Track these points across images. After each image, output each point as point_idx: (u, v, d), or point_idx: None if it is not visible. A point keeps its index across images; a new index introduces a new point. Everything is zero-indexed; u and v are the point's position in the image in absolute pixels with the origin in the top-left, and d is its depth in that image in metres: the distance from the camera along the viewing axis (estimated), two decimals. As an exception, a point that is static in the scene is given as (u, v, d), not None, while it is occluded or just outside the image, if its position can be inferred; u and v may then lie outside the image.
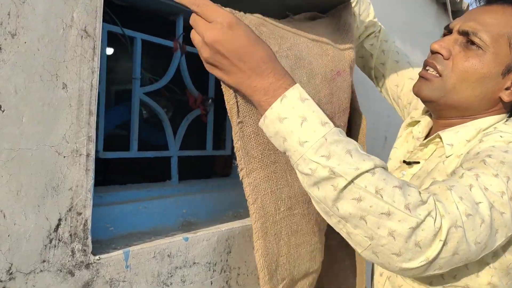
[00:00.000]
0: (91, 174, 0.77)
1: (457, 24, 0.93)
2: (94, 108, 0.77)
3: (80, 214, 0.76)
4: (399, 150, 1.12)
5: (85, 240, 0.77)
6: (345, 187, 0.65)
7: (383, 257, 0.68)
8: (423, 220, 0.65)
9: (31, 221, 0.69)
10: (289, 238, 0.95)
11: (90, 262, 0.78)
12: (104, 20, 0.87)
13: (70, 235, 0.75)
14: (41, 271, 0.71)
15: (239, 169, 0.84)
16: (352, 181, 0.65)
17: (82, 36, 0.74)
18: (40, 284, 0.71)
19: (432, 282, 0.85)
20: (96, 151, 1.02)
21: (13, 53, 0.65)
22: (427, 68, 0.94)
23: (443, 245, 0.66)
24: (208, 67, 0.73)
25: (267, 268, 0.90)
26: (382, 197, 0.65)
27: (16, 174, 0.67)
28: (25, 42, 0.67)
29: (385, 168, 0.69)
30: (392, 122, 1.97)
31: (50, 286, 0.72)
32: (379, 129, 1.90)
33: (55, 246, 0.73)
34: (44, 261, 0.71)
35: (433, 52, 0.94)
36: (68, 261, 0.75)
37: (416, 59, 1.30)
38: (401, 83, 1.24)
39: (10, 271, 0.67)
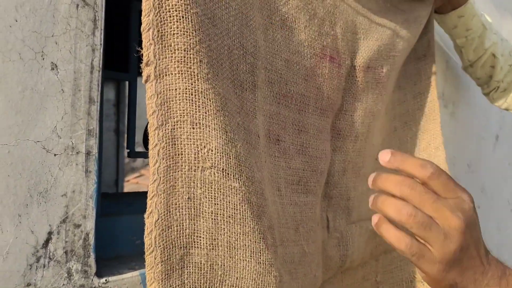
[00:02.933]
0: (94, 176, 0.62)
1: None
2: (96, 95, 0.62)
3: (78, 226, 0.61)
4: None
5: (86, 259, 0.62)
6: None
7: None
8: None
9: (9, 234, 0.56)
10: (218, 220, 0.58)
11: (93, 286, 0.63)
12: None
13: (65, 252, 0.60)
14: (26, 296, 0.57)
15: (143, 63, 0.54)
16: None
17: (78, 5, 0.59)
18: (25, 313, 0.57)
19: None
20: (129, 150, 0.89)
21: (-20, 24, 0.52)
22: None
23: None
24: (444, 268, 0.49)
25: (163, 252, 0.55)
26: None
27: (-13, 176, 0.54)
28: (-4, 11, 0.53)
29: None
30: (506, 119, 1.63)
31: (39, 315, 0.58)
32: (488, 126, 1.58)
33: (44, 266, 0.59)
34: (29, 285, 0.57)
35: None
36: (63, 284, 0.60)
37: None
38: None
39: (-18, 296, 0.54)
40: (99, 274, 0.64)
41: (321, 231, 0.81)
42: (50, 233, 0.59)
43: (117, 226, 0.76)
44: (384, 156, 0.50)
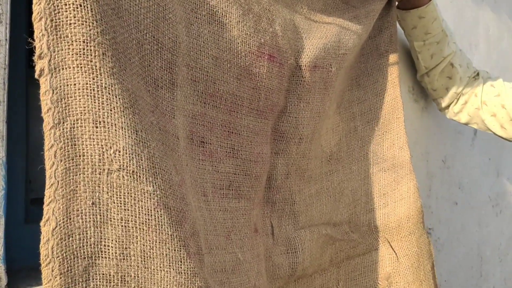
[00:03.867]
0: (1, 182, 0.58)
1: None
2: (1, 94, 0.58)
3: (-17, 235, 0.57)
4: None
5: (-6, 270, 0.58)
6: None
7: None
8: None
9: None
10: (130, 227, 0.54)
11: (3, 298, 0.59)
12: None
13: (-31, 263, 0.56)
14: None
15: (35, 56, 0.49)
16: None
17: (-25, -2, 0.55)
18: None
19: None
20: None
21: None
22: None
23: None
24: None
25: (62, 263, 0.50)
26: None
27: None
28: None
29: None
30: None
31: None
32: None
33: None
34: None
35: None
36: (-33, 297, 0.56)
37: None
38: None
39: None
40: (10, 287, 0.60)
41: (265, 238, 0.77)
42: (-51, 244, 0.55)
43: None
44: None
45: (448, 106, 1.17)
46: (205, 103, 0.66)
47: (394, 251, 1.00)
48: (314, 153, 0.87)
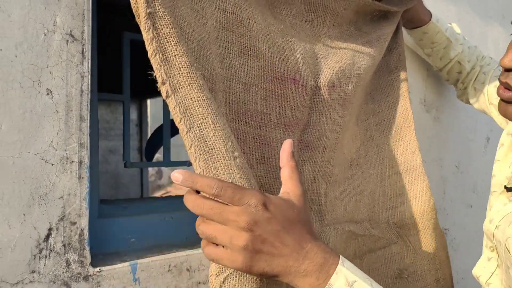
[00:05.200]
0: (86, 182, 0.74)
1: None
2: (86, 114, 0.74)
3: (74, 223, 0.73)
4: (503, 164, 0.92)
5: (81, 251, 0.74)
6: None
7: None
8: None
9: (16, 230, 0.68)
10: None
11: (89, 274, 0.74)
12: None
13: (64, 245, 0.72)
14: (31, 281, 0.69)
15: (158, 83, 0.64)
16: None
17: (67, 41, 0.72)
18: (30, 295, 0.69)
19: None
20: (125, 161, 1.01)
21: (-13, 61, 0.66)
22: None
23: None
24: (246, 261, 0.58)
25: None
26: None
27: (-4, 182, 0.67)
28: (1, 50, 0.67)
29: None
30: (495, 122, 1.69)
31: (42, 298, 0.70)
32: (478, 129, 1.64)
33: (46, 256, 0.71)
34: (33, 272, 0.70)
35: (506, 70, 0.77)
36: (63, 272, 0.72)
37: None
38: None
39: (-6, 281, 0.66)
40: (94, 264, 0.75)
41: None
42: (50, 229, 0.71)
43: (114, 227, 0.88)
44: (176, 177, 0.59)
45: (462, 93, 1.31)
46: (238, 120, 0.80)
47: (411, 244, 1.11)
48: (338, 160, 1.00)
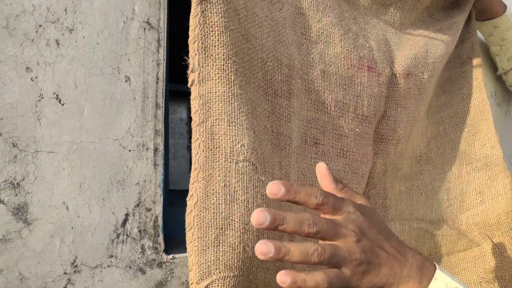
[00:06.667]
0: (161, 169, 0.75)
1: None
2: (161, 101, 0.75)
3: (149, 210, 0.74)
4: None
5: (156, 238, 0.74)
6: None
7: None
8: None
9: (96, 214, 0.69)
10: (249, 208, 0.65)
11: (162, 261, 0.75)
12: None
13: (139, 231, 0.73)
14: (109, 266, 0.70)
15: (189, 70, 0.63)
16: None
17: (145, 28, 0.73)
18: (108, 280, 0.70)
19: None
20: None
21: (71, 48, 0.67)
22: None
23: None
24: (357, 277, 0.51)
25: (200, 230, 0.63)
26: None
27: (78, 167, 0.68)
28: (84, 37, 0.68)
29: None
30: None
31: (119, 283, 0.71)
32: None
33: (123, 242, 0.71)
34: (111, 256, 0.71)
35: None
36: (138, 258, 0.73)
37: None
38: None
39: (75, 264, 0.68)
40: (167, 252, 0.76)
41: None
42: (127, 215, 0.72)
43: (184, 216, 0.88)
44: (275, 190, 0.48)
45: None
46: (317, 109, 0.79)
47: (497, 246, 1.03)
48: (407, 153, 0.96)
